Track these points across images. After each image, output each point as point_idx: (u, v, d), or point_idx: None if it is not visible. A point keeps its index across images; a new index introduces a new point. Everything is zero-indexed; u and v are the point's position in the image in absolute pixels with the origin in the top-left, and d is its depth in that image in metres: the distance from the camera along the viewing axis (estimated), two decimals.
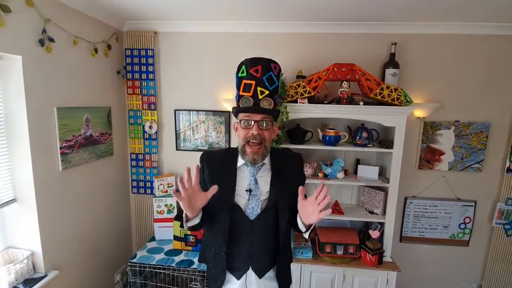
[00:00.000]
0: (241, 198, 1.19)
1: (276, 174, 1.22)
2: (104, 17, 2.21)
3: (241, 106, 1.14)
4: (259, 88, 1.13)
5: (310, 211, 1.05)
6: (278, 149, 1.36)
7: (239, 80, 1.18)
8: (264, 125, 1.14)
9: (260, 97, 1.13)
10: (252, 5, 1.96)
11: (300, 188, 1.07)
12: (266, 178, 1.22)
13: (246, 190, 1.18)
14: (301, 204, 1.08)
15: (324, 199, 0.99)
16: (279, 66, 1.20)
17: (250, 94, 1.13)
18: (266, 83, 1.13)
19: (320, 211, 1.00)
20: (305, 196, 1.09)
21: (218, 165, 1.23)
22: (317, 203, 1.01)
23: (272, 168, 1.23)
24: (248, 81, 1.14)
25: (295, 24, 2.31)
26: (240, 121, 1.16)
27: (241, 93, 1.16)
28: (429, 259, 2.57)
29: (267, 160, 1.21)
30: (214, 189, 1.03)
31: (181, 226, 1.12)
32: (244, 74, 1.15)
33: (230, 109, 2.48)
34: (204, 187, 1.21)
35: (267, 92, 1.14)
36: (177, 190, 1.01)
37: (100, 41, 2.21)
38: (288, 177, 1.23)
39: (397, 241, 2.53)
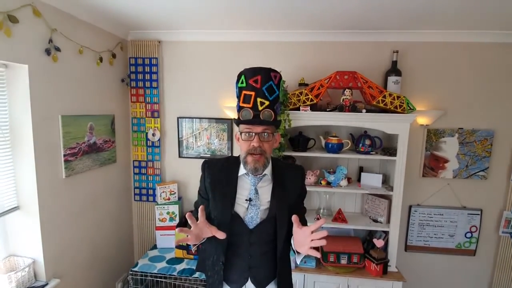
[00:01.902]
0: (240, 207, 1.19)
1: (277, 185, 1.21)
2: (109, 27, 2.25)
3: (241, 118, 1.13)
4: (259, 99, 1.11)
5: (301, 241, 1.01)
6: (280, 159, 1.34)
7: (239, 90, 1.16)
8: (265, 136, 1.13)
9: (260, 108, 1.11)
10: (254, 14, 1.98)
11: (294, 217, 1.03)
12: (267, 188, 1.21)
13: (246, 200, 1.18)
14: (295, 230, 1.05)
15: (320, 239, 0.94)
16: (280, 75, 1.18)
17: (250, 105, 1.12)
18: (266, 94, 1.12)
19: (310, 248, 0.96)
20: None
21: (219, 174, 1.22)
22: (310, 238, 0.96)
23: (274, 179, 1.22)
24: (248, 92, 1.12)
25: (297, 33, 2.33)
26: (241, 133, 1.15)
27: (241, 104, 1.14)
28: (435, 269, 2.52)
29: (268, 171, 1.20)
30: (221, 235, 1.04)
31: (189, 249, 1.11)
32: (244, 84, 1.14)
33: (232, 117, 2.49)
34: (205, 194, 1.24)
35: (267, 103, 1.12)
36: (178, 225, 1.00)
37: (105, 50, 2.24)
38: (289, 189, 1.22)
39: (402, 250, 2.49)
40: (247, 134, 1.13)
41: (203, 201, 1.25)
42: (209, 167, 1.25)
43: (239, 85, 1.16)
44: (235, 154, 2.53)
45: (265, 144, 1.13)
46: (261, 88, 1.11)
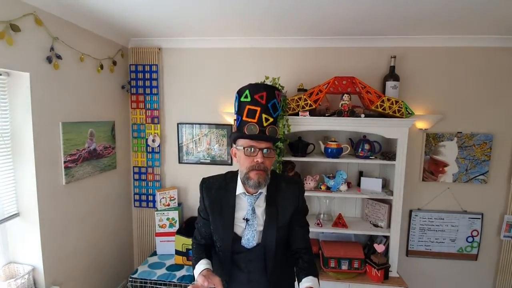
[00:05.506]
0: (239, 227, 1.18)
1: (270, 206, 1.19)
2: (110, 35, 2.28)
3: (246, 133, 1.09)
4: (264, 115, 1.09)
5: None
6: (277, 174, 1.28)
7: (241, 104, 1.13)
8: (267, 152, 1.11)
9: (265, 124, 1.09)
10: (253, 21, 2.01)
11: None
12: (263, 207, 1.19)
13: (244, 219, 1.17)
14: None
15: None
16: (281, 94, 1.20)
17: (255, 120, 1.08)
18: (271, 110, 1.11)
19: None
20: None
21: (217, 194, 1.21)
22: None
23: (268, 199, 1.19)
24: (253, 107, 1.09)
25: (296, 39, 2.36)
26: (243, 148, 1.10)
27: (244, 118, 1.10)
28: (437, 274, 2.50)
29: (264, 189, 1.17)
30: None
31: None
32: (248, 99, 1.10)
33: (232, 122, 2.50)
34: (206, 215, 1.24)
35: (271, 119, 1.11)
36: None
37: (106, 57, 2.27)
38: (282, 209, 1.19)
39: (403, 255, 2.48)
40: (250, 150, 1.09)
41: (204, 222, 1.25)
42: (207, 188, 1.23)
43: (243, 99, 1.13)
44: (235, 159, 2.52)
45: (267, 161, 1.11)
46: (267, 104, 1.10)
